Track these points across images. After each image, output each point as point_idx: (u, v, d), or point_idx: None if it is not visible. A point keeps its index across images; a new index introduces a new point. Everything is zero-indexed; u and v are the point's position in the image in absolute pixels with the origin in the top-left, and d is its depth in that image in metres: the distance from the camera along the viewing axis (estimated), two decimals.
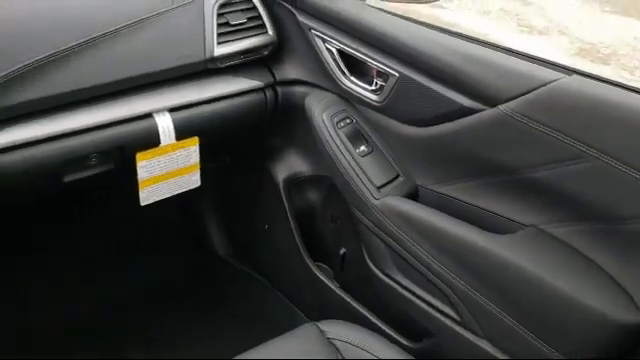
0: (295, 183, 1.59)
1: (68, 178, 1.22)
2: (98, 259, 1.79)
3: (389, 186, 1.36)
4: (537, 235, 1.14)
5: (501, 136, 1.13)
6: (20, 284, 1.67)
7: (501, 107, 1.12)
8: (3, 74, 1.06)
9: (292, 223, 1.59)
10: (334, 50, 1.37)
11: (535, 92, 1.07)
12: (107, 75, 1.20)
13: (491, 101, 1.14)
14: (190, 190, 1.41)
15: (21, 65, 1.08)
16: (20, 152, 1.11)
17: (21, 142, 1.10)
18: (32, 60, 1.09)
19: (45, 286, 1.70)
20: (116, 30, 1.20)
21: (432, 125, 1.26)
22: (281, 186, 1.58)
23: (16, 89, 1.09)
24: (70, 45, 1.14)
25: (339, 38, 1.35)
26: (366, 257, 1.42)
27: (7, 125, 1.10)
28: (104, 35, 1.18)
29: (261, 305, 1.76)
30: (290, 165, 1.58)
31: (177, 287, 1.84)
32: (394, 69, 1.28)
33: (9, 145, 1.09)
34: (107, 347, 1.56)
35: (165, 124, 1.28)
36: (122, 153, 1.25)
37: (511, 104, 1.10)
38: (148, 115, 1.27)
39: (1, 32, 1.08)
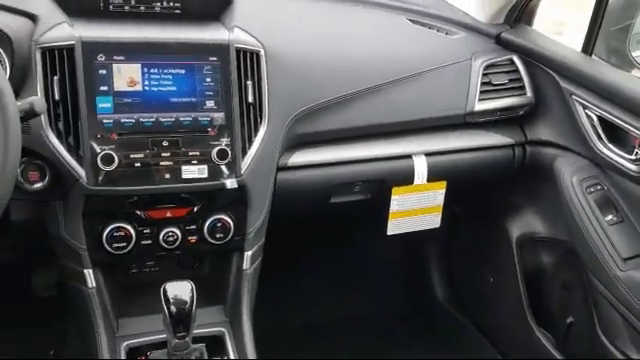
0: (529, 242, 1.61)
1: (334, 199, 1.42)
2: (332, 280, 1.99)
3: (637, 260, 1.31)
4: None
5: None
6: (304, 287, 1.93)
7: None
8: (308, 107, 1.30)
9: (520, 282, 1.60)
10: (594, 116, 1.39)
11: None
12: (382, 117, 1.39)
13: None
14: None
15: (321, 101, 1.32)
16: (309, 171, 1.34)
17: (311, 163, 1.34)
18: (328, 98, 1.33)
19: (317, 290, 1.94)
20: (397, 80, 1.40)
21: None
22: (514, 243, 1.61)
23: (312, 120, 1.33)
24: (358, 90, 1.36)
25: (601, 105, 1.37)
26: (598, 329, 1.37)
27: (302, 148, 1.34)
28: (387, 83, 1.38)
29: (475, 357, 1.78)
30: (527, 223, 1.60)
31: (392, 322, 1.94)
32: None
33: (302, 164, 1.33)
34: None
35: (421, 166, 1.43)
36: (381, 185, 1.42)
37: None
38: (408, 156, 1.43)
39: (315, 72, 1.34)
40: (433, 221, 1.51)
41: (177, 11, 1.33)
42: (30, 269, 1.74)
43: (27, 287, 1.74)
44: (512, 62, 1.51)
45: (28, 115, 0.94)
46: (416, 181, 1.43)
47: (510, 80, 1.50)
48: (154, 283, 1.28)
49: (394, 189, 1.43)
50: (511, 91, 1.50)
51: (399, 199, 1.44)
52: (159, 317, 1.13)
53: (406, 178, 1.43)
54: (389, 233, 1.47)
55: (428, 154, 1.45)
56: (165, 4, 1.32)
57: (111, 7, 1.28)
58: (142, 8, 1.30)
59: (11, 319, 1.68)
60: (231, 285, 1.29)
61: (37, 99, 0.96)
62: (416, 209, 1.47)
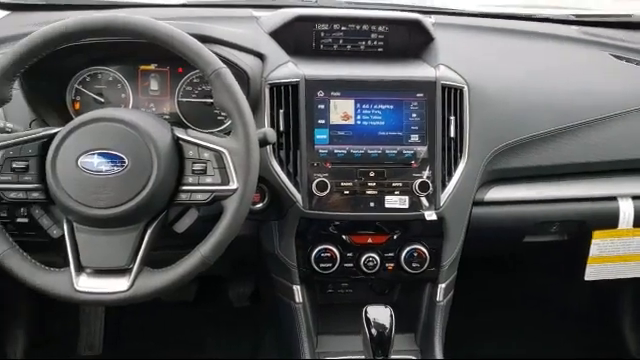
0: None
1: (528, 239, 1.39)
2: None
3: None
4: None
5: None
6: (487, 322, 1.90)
7: None
8: (508, 142, 1.30)
9: None
10: None
11: None
12: (585, 156, 1.34)
13: None
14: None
15: (522, 137, 1.31)
16: (506, 207, 1.33)
17: (508, 199, 1.33)
18: (529, 135, 1.31)
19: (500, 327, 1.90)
20: (602, 118, 1.34)
21: None
22: None
23: (511, 156, 1.32)
24: (560, 127, 1.33)
25: None
26: None
27: (499, 184, 1.34)
28: (592, 121, 1.34)
29: None
30: None
31: None
32: None
33: (499, 200, 1.32)
34: None
35: (627, 209, 1.34)
36: (581, 227, 1.36)
37: None
38: (613, 198, 1.35)
39: (516, 108, 1.33)
40: (638, 269, 1.40)
41: (380, 49, 1.42)
42: (227, 280, 1.92)
43: (223, 296, 1.92)
44: None
45: (261, 143, 1.07)
46: (621, 225, 1.35)
47: None
48: (348, 304, 1.36)
49: (595, 232, 1.35)
50: None
51: (600, 243, 1.36)
52: (354, 338, 1.19)
53: (610, 221, 1.35)
54: (587, 279, 1.40)
55: (636, 197, 1.35)
56: (370, 43, 1.42)
57: (322, 47, 1.41)
58: (348, 47, 1.42)
59: (207, 325, 1.87)
60: (423, 315, 1.31)
61: (269, 130, 1.08)
62: (620, 255, 1.37)
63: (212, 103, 1.28)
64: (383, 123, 1.23)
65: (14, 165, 0.96)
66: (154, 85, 1.29)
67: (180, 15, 1.41)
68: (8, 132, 1.04)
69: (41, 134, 0.98)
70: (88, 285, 0.95)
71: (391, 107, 1.23)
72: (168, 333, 1.84)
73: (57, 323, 1.81)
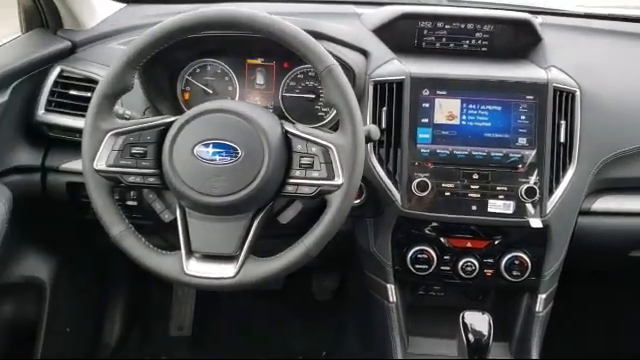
0: None
1: (634, 253, 1.31)
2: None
3: None
4: None
5: None
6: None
7: None
8: (621, 151, 1.24)
9: None
10: None
11: None
12: None
13: None
14: None
15: (636, 146, 1.24)
16: (612, 218, 1.27)
17: (616, 210, 1.26)
18: (636, 146, 1.25)
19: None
20: None
21: None
22: None
23: (623, 165, 1.25)
24: None
25: None
26: None
27: (608, 193, 1.27)
28: None
29: None
30: None
31: None
32: None
33: (606, 211, 1.26)
34: None
35: None
36: None
37: None
38: None
39: (630, 115, 1.27)
40: None
41: (484, 49, 1.39)
42: (311, 273, 1.94)
43: (306, 288, 1.94)
44: None
45: (365, 140, 1.06)
46: None
47: None
48: (439, 307, 1.34)
49: None
50: None
51: None
52: (446, 342, 1.16)
53: None
54: None
55: None
56: (473, 42, 1.39)
57: (424, 44, 1.39)
58: (451, 45, 1.39)
59: (290, 315, 1.89)
60: (519, 324, 1.27)
61: (373, 127, 1.08)
62: None
63: (314, 99, 1.30)
64: (489, 124, 1.19)
65: (133, 150, 1.01)
66: (260, 79, 1.32)
67: (285, 10, 1.43)
68: (126, 119, 1.10)
69: (159, 122, 1.02)
70: (197, 269, 0.98)
71: (499, 108, 1.20)
72: (252, 320, 1.89)
73: (149, 306, 1.90)
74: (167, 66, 1.28)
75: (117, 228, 1.00)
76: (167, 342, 1.85)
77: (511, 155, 1.18)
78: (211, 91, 1.32)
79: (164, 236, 1.29)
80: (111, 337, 1.77)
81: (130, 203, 1.26)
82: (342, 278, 1.90)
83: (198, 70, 1.32)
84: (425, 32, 1.38)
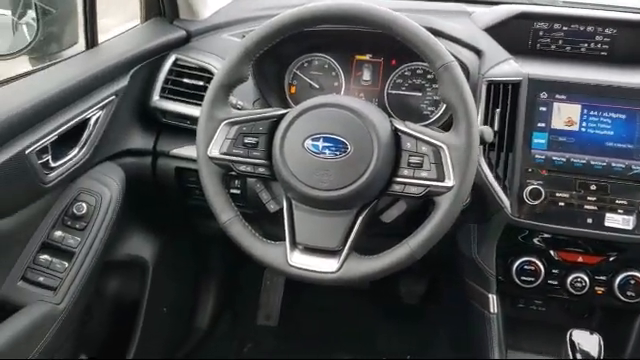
0: None
1: None
2: None
3: None
4: None
5: None
6: None
7: None
8: None
9: None
10: None
11: None
12: None
13: None
14: None
15: None
16: None
17: None
18: None
19: None
20: None
21: None
22: None
23: None
24: None
25: None
26: None
27: None
28: None
29: None
30: None
31: None
32: None
33: None
34: None
35: None
36: None
37: None
38: None
39: None
40: None
41: (603, 53, 1.30)
42: (399, 275, 1.91)
43: (394, 290, 1.91)
44: None
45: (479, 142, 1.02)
46: None
47: None
48: (541, 323, 1.27)
49: None
50: None
51: None
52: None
53: None
54: None
55: None
56: (592, 45, 1.30)
57: (538, 46, 1.32)
58: (568, 48, 1.31)
59: (375, 315, 1.87)
60: (630, 348, 1.18)
61: (487, 129, 1.04)
62: None
63: (420, 97, 1.27)
64: (612, 133, 1.12)
65: (246, 140, 1.02)
66: (367, 75, 1.31)
67: (395, 7, 1.40)
68: (239, 109, 1.12)
69: (272, 114, 1.03)
70: (300, 261, 0.98)
71: (623, 117, 1.11)
72: (337, 317, 1.89)
73: (240, 294, 1.94)
74: (276, 59, 1.30)
75: (226, 215, 1.02)
76: (254, 331, 1.88)
77: (634, 167, 1.10)
78: (317, 86, 1.32)
79: (262, 224, 1.31)
80: (203, 321, 1.82)
81: (234, 191, 1.29)
82: (431, 282, 1.86)
83: (306, 64, 1.33)
84: (541, 33, 1.31)
